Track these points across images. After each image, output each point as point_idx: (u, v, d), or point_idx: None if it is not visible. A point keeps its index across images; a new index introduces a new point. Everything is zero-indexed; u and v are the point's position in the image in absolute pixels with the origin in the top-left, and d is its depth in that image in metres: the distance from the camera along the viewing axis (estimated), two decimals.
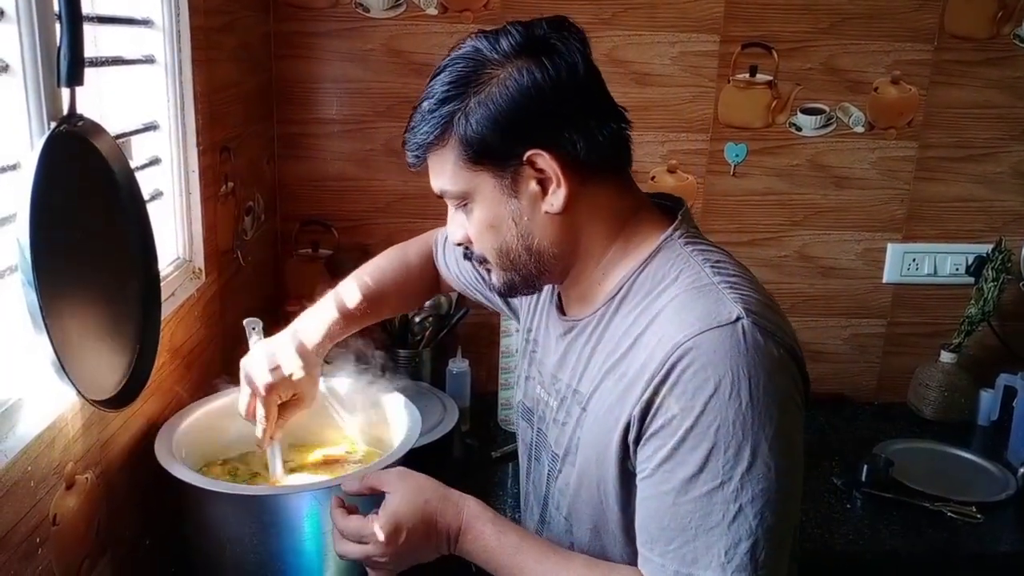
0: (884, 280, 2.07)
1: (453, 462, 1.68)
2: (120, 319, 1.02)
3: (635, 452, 0.87)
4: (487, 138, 0.88)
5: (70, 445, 0.98)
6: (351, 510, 0.99)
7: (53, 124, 0.89)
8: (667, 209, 1.00)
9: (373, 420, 1.34)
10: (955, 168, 2.02)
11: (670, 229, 0.95)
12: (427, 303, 1.89)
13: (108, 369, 0.98)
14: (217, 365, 1.51)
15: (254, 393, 1.19)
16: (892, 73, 1.94)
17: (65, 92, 0.90)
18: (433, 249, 1.37)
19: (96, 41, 1.16)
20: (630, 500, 0.89)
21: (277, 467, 1.25)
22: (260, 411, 1.19)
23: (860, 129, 1.98)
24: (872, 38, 1.92)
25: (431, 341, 1.91)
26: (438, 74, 0.92)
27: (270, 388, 1.18)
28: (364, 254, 1.94)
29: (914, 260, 2.05)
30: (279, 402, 1.20)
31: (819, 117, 1.96)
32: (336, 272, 1.94)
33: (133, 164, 1.09)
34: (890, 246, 2.05)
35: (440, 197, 0.97)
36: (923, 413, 2.02)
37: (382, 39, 1.87)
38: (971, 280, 2.01)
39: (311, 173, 1.94)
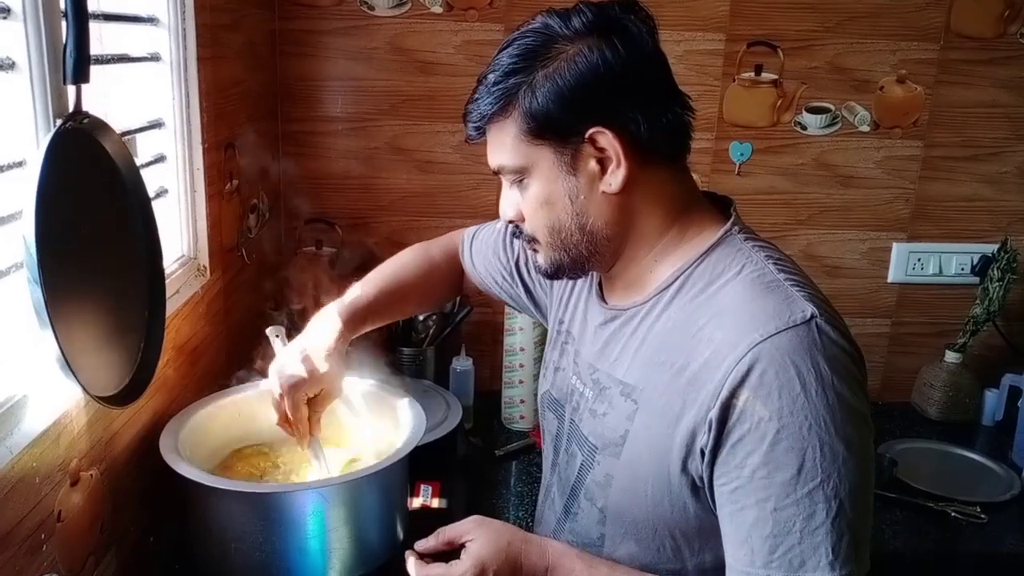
0: (889, 279, 2.07)
1: (457, 460, 1.68)
2: (125, 316, 1.02)
3: (710, 459, 0.84)
4: (552, 112, 0.88)
5: (75, 442, 0.98)
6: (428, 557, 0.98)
7: (59, 121, 0.89)
8: (716, 206, 1.00)
9: (377, 418, 1.34)
10: (960, 168, 2.01)
11: (729, 223, 0.95)
12: None
13: (113, 366, 0.99)
14: (222, 362, 1.52)
15: (281, 396, 1.19)
16: (898, 72, 1.94)
17: (71, 89, 0.90)
18: (459, 247, 1.36)
19: (102, 38, 1.16)
20: (681, 499, 0.89)
21: (323, 463, 1.25)
22: (292, 413, 1.19)
23: (865, 128, 1.97)
24: (878, 37, 1.92)
25: (435, 339, 1.91)
26: (505, 47, 0.92)
27: (292, 388, 1.17)
28: (368, 252, 1.96)
29: (919, 260, 2.05)
30: (306, 399, 1.19)
31: (824, 116, 1.96)
32: (340, 270, 1.96)
33: (138, 161, 1.09)
34: (895, 245, 2.05)
35: (496, 173, 0.97)
36: (927, 413, 2.02)
37: (387, 37, 1.87)
38: (976, 280, 2.01)
39: (316, 171, 1.94)
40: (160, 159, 1.30)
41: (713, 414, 0.83)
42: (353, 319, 1.25)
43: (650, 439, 0.90)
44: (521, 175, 0.94)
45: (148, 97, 1.30)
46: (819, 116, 1.95)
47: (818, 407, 0.79)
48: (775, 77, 1.93)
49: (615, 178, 0.90)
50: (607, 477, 0.96)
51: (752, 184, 1.98)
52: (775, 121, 1.96)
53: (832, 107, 1.96)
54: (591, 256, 0.96)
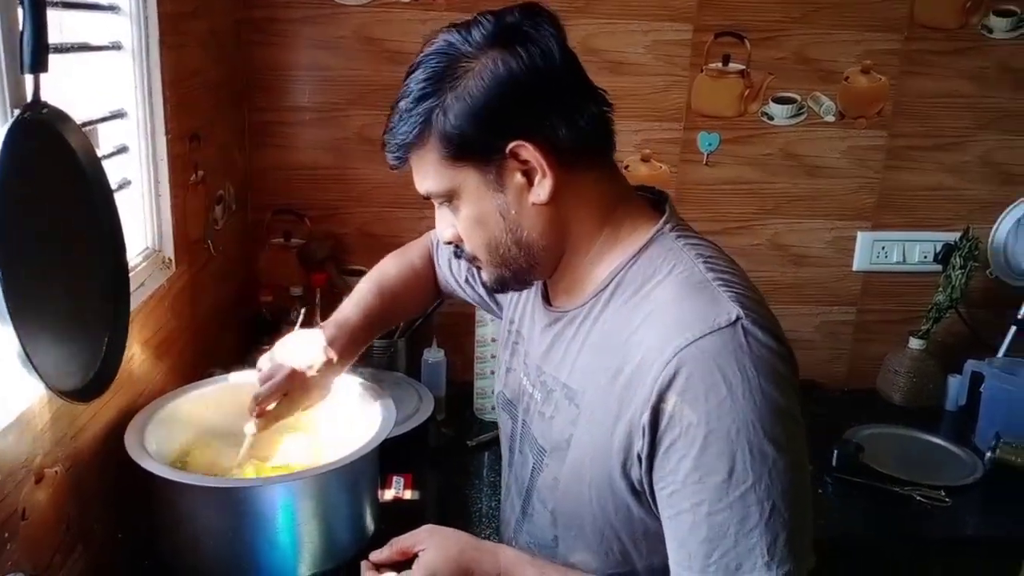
0: (854, 268, 2.10)
1: (429, 451, 1.68)
2: (88, 310, 1.00)
3: (647, 465, 0.85)
4: (467, 133, 0.87)
5: (38, 438, 0.96)
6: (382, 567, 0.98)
7: (16, 111, 0.87)
8: (650, 200, 0.99)
9: (347, 410, 1.34)
10: (924, 157, 2.04)
11: (661, 221, 0.94)
12: None
13: (76, 361, 0.97)
14: (188, 356, 1.50)
15: (268, 377, 1.17)
16: (863, 63, 1.96)
17: (29, 79, 0.88)
18: (431, 249, 1.36)
19: (61, 27, 1.13)
20: (623, 503, 0.89)
21: (242, 453, 1.23)
22: (263, 394, 1.17)
23: (831, 118, 2.00)
24: (843, 28, 1.94)
25: (406, 331, 1.90)
26: (412, 71, 0.91)
27: (283, 388, 1.17)
28: (337, 243, 1.95)
29: (883, 248, 2.08)
30: (284, 392, 1.18)
31: (791, 106, 1.97)
32: (308, 262, 1.94)
33: (100, 152, 1.07)
34: (860, 234, 2.07)
35: (427, 199, 0.96)
36: (892, 399, 2.05)
37: (354, 26, 1.85)
38: (939, 268, 2.04)
39: (283, 162, 1.92)
40: (122, 150, 1.28)
41: (645, 419, 0.83)
42: (357, 332, 1.23)
43: (591, 443, 0.91)
44: (450, 197, 0.93)
45: (109, 87, 1.27)
46: (785, 106, 1.97)
47: (745, 410, 0.79)
48: (742, 67, 1.94)
49: (543, 188, 0.89)
50: (555, 480, 0.97)
51: (720, 174, 2.00)
52: (742, 111, 1.97)
53: (798, 97, 1.98)
54: (531, 267, 0.96)
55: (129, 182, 1.30)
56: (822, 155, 2.02)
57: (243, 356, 1.62)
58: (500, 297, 1.22)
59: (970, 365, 1.94)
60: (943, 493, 1.64)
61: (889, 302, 2.13)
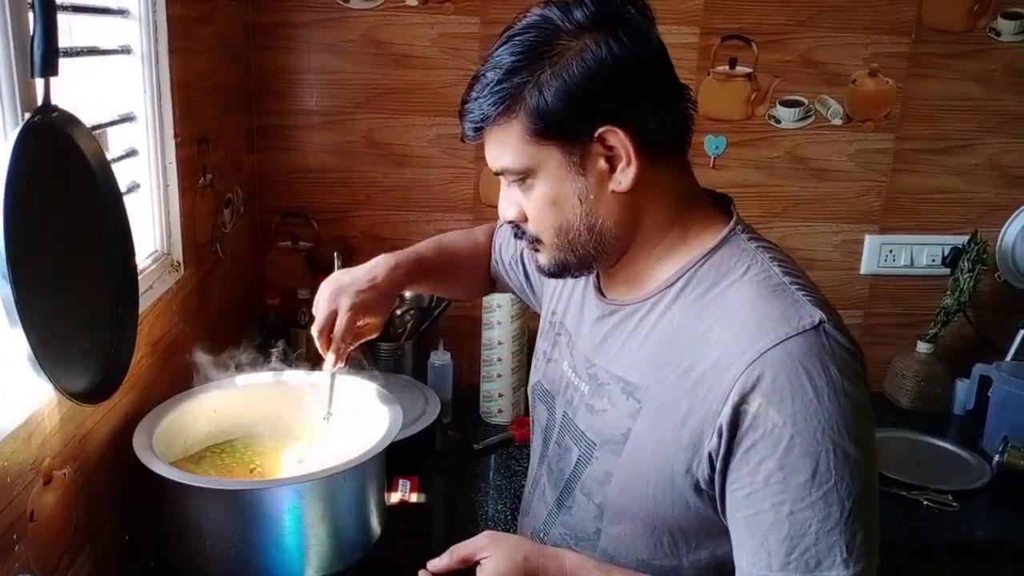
0: (861, 271, 2.09)
1: (435, 454, 1.68)
2: (97, 313, 1.01)
3: (722, 466, 0.84)
4: (560, 112, 0.85)
5: (47, 440, 0.97)
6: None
7: (27, 115, 0.88)
8: (716, 201, 0.99)
9: (354, 414, 1.34)
10: (931, 160, 2.04)
11: (732, 223, 0.94)
12: (409, 295, 1.89)
13: (85, 363, 0.97)
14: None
15: (333, 313, 1.15)
16: (870, 66, 1.96)
17: (39, 82, 0.89)
18: (494, 229, 1.36)
19: (71, 31, 1.14)
20: (682, 499, 0.89)
21: (331, 398, 1.24)
22: (339, 328, 1.15)
23: (838, 121, 1.99)
24: (850, 31, 1.94)
25: (413, 334, 1.90)
26: (504, 43, 0.89)
27: (354, 305, 1.15)
28: (345, 246, 1.95)
29: (891, 251, 2.07)
30: (355, 325, 1.17)
31: (798, 109, 1.97)
32: (316, 265, 1.95)
33: (109, 156, 1.08)
34: (867, 237, 2.07)
35: (498, 174, 0.94)
36: (900, 403, 2.05)
37: (362, 30, 1.86)
38: (947, 271, 2.03)
39: (291, 165, 1.93)
40: (132, 153, 1.28)
41: (723, 419, 0.83)
42: (410, 269, 1.23)
43: (655, 439, 0.90)
44: (525, 176, 0.91)
45: (119, 91, 1.28)
46: (792, 109, 1.97)
47: (830, 411, 0.80)
48: (749, 71, 1.94)
49: (625, 177, 0.88)
50: (606, 474, 0.95)
51: (727, 177, 2.00)
52: (749, 114, 1.97)
53: (805, 100, 1.97)
54: (598, 255, 0.94)
55: (138, 185, 1.31)
56: (829, 158, 2.02)
57: (251, 359, 1.63)
58: (538, 287, 1.22)
59: (978, 369, 1.94)
60: (951, 497, 1.63)
61: (897, 305, 2.12)
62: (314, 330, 1.17)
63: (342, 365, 1.19)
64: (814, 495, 0.80)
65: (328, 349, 1.17)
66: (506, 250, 1.30)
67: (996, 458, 1.70)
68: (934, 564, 1.59)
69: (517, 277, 1.27)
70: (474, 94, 0.90)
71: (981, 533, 1.59)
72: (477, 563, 0.93)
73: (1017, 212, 2.06)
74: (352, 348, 1.20)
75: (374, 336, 1.23)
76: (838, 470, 0.80)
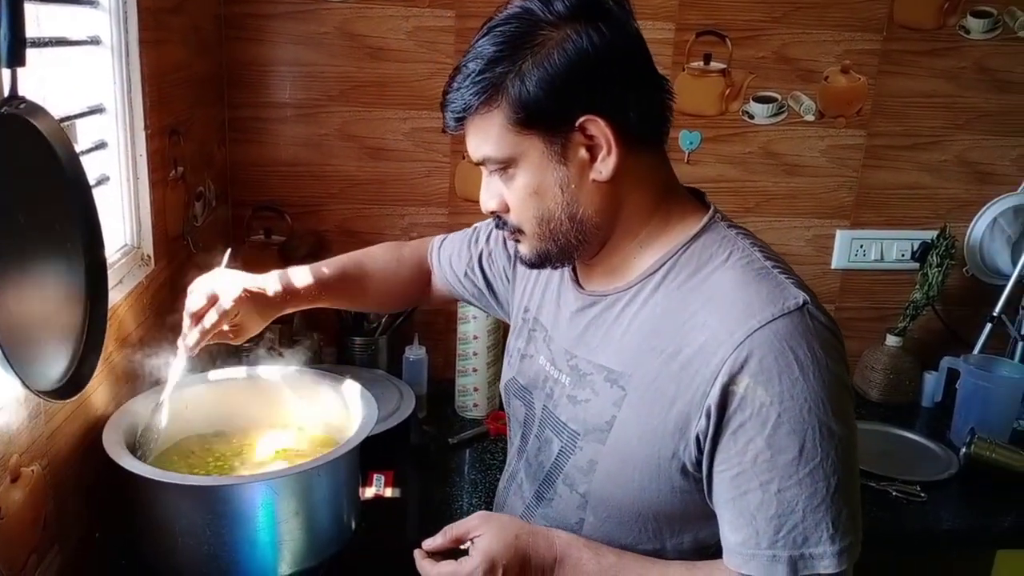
0: (832, 266, 2.12)
1: (411, 449, 1.68)
2: (66, 307, 0.99)
3: (710, 447, 0.86)
4: (542, 101, 0.86)
5: (15, 437, 0.95)
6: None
7: None
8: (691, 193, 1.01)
9: (328, 408, 1.33)
10: (902, 156, 2.06)
11: (711, 211, 0.96)
12: None
13: (53, 359, 0.96)
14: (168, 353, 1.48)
15: (214, 298, 1.14)
16: (842, 62, 1.98)
17: (6, 73, 0.87)
18: (428, 247, 1.35)
19: (39, 20, 1.12)
20: (668, 483, 0.90)
21: (172, 378, 1.21)
22: (214, 313, 1.13)
23: (811, 117, 2.01)
24: (823, 28, 1.95)
25: (387, 328, 1.90)
26: (485, 34, 0.89)
27: (237, 301, 1.14)
28: (318, 240, 1.94)
29: (861, 246, 2.10)
30: (227, 316, 1.14)
31: (771, 105, 1.99)
32: (289, 259, 1.93)
33: (78, 148, 1.06)
34: (838, 232, 2.09)
35: (479, 164, 0.95)
36: (869, 395, 2.07)
37: (336, 22, 1.84)
38: (916, 266, 2.06)
39: (263, 158, 1.91)
40: (101, 146, 1.27)
41: (712, 400, 0.84)
42: (301, 286, 1.23)
43: (640, 425, 0.91)
44: (507, 165, 0.92)
45: (88, 82, 1.26)
46: (766, 105, 1.98)
47: (815, 388, 0.82)
48: (723, 66, 1.95)
49: (606, 166, 0.90)
50: (590, 463, 0.96)
51: (701, 172, 2.01)
52: (723, 110, 1.99)
53: (778, 96, 1.99)
54: (580, 245, 0.95)
55: (108, 178, 1.29)
56: (802, 154, 2.03)
57: (222, 352, 1.62)
58: (501, 290, 1.22)
59: (946, 362, 1.97)
60: (919, 488, 1.66)
61: (867, 299, 2.15)
62: (189, 310, 1.15)
63: (192, 350, 1.16)
64: (801, 472, 0.82)
65: (194, 328, 1.14)
66: (457, 261, 1.29)
67: (963, 449, 1.73)
68: (902, 554, 1.62)
69: (474, 286, 1.27)
70: (456, 84, 0.91)
71: (948, 523, 1.61)
72: (470, 542, 0.95)
73: (985, 208, 2.09)
74: (210, 342, 1.17)
75: (234, 342, 1.21)
76: (824, 447, 0.82)
